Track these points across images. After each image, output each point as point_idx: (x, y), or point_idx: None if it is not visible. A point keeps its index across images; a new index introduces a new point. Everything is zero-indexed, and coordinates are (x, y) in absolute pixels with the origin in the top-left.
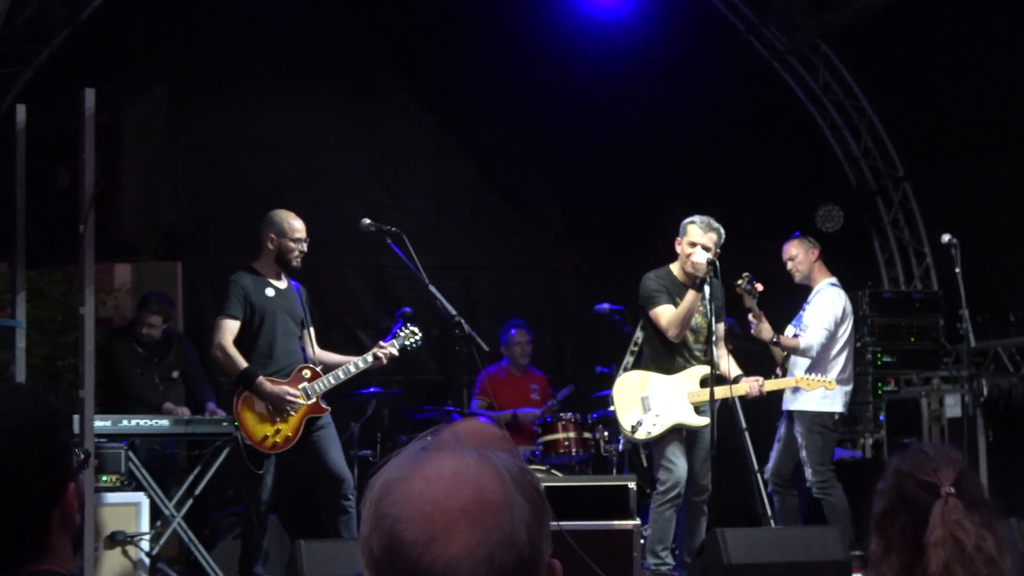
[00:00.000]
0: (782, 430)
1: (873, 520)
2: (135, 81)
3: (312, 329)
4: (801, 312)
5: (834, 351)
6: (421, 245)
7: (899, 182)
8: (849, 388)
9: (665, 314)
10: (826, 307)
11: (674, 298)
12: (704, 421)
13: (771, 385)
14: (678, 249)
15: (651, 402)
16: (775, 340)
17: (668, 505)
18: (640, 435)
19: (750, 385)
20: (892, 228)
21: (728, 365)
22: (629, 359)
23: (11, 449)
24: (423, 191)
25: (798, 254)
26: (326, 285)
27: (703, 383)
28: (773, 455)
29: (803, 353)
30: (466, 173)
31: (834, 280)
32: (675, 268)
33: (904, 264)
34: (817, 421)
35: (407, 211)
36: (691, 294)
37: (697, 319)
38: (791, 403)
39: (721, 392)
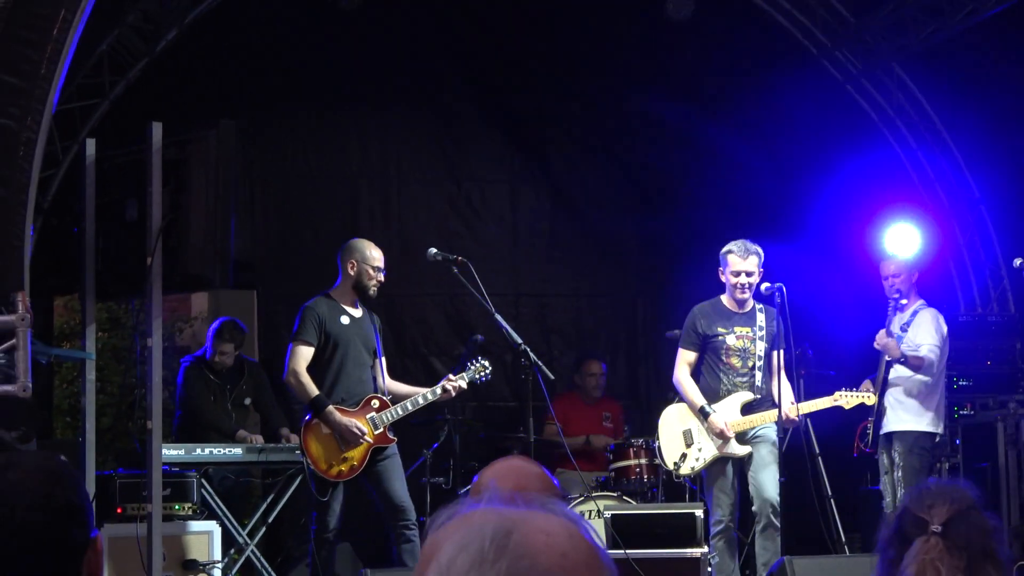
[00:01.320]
0: (884, 459)
1: (878, 550)
2: (209, 114)
3: (384, 359)
4: (901, 334)
5: (940, 371)
6: (495, 273)
7: (976, 204)
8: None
9: (681, 357)
10: (935, 326)
11: (718, 330)
12: (747, 450)
13: (807, 407)
14: (723, 279)
15: (694, 435)
16: (903, 357)
17: (719, 537)
18: (684, 471)
19: (786, 411)
20: (967, 251)
21: (786, 392)
22: None
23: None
24: (498, 219)
25: (902, 273)
26: (401, 313)
27: (745, 410)
28: (884, 487)
29: (925, 370)
30: (540, 201)
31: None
32: (725, 298)
33: (980, 288)
34: (919, 442)
35: (482, 239)
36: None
37: (744, 344)
38: (889, 425)
39: (759, 419)
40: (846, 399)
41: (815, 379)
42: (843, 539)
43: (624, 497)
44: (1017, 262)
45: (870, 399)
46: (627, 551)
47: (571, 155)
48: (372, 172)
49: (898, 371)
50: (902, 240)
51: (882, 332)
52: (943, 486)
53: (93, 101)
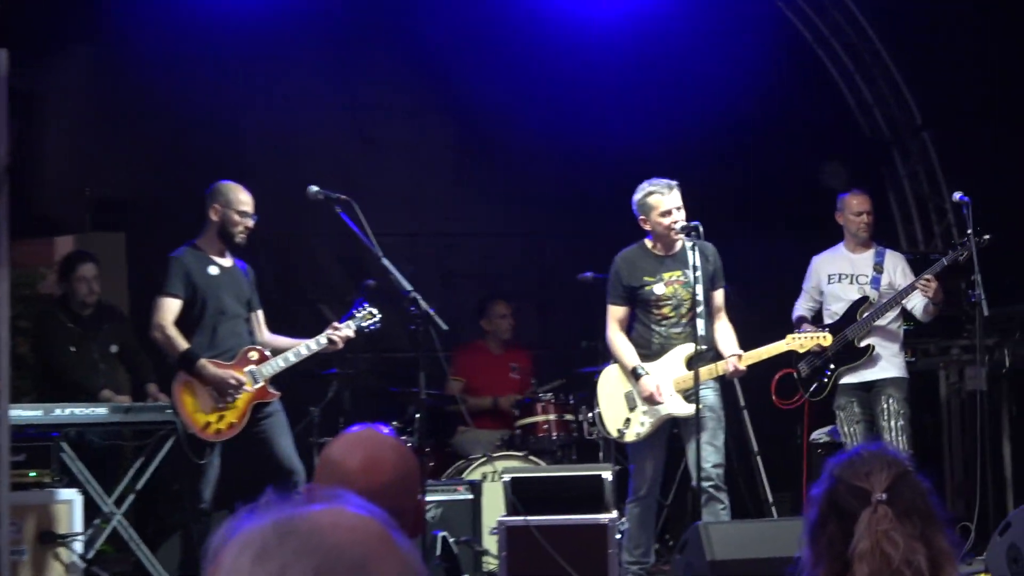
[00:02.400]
0: (854, 408)
1: (805, 529)
2: (64, 38)
3: (261, 311)
4: (875, 275)
5: None
6: (391, 211)
7: (917, 132)
8: None
9: (611, 314)
10: (908, 269)
11: (645, 280)
12: (692, 409)
13: (755, 355)
14: (648, 227)
15: (636, 397)
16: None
17: (635, 504)
18: (629, 438)
19: (727, 363)
20: (909, 182)
21: (728, 338)
22: None
23: None
24: (397, 149)
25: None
26: (290, 255)
27: (690, 364)
28: (859, 440)
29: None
30: (444, 130)
31: None
32: (649, 242)
33: (923, 222)
34: (909, 389)
35: (380, 173)
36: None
37: (676, 290)
38: (880, 372)
39: (706, 372)
40: (800, 342)
41: (739, 325)
42: (771, 500)
43: (531, 457)
44: (956, 195)
45: (826, 339)
46: (527, 518)
47: (478, 79)
48: (256, 99)
49: (887, 315)
50: (833, 175)
51: (931, 275)
52: (873, 451)
53: None
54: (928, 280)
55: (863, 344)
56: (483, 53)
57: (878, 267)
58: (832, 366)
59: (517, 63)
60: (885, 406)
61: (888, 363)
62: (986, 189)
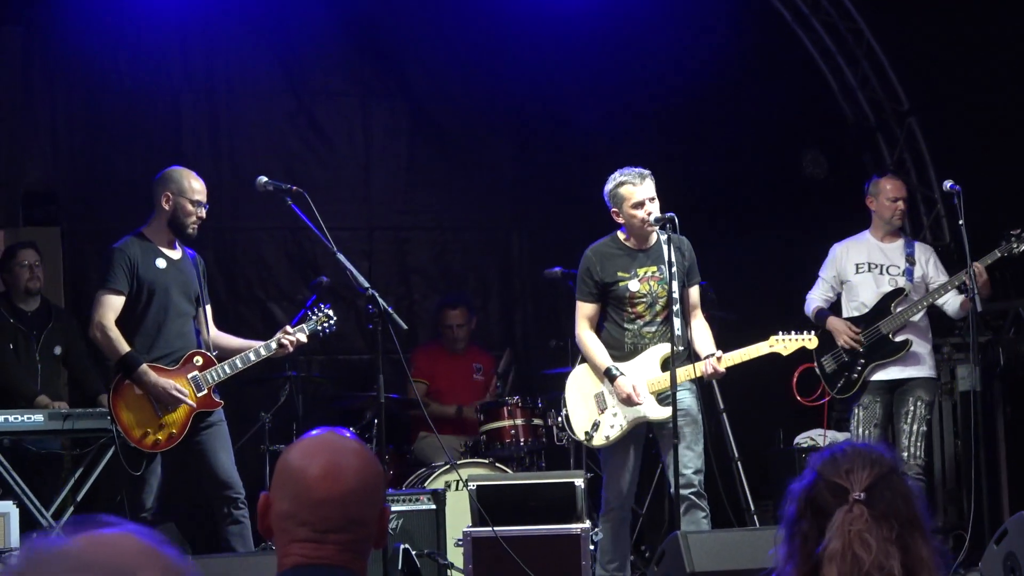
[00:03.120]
0: (878, 410)
1: (782, 524)
2: None
3: (209, 307)
4: (908, 267)
5: None
6: (344, 203)
7: (904, 117)
8: None
9: (581, 311)
10: (939, 262)
11: (619, 275)
12: (668, 413)
13: (735, 357)
14: (620, 220)
15: (607, 398)
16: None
17: (609, 517)
18: (598, 441)
19: (705, 364)
20: (896, 171)
21: (705, 338)
22: None
23: None
24: (346, 139)
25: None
26: (234, 251)
27: (665, 365)
28: (878, 439)
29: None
30: (397, 118)
31: None
32: (622, 235)
33: (912, 212)
34: (935, 392)
35: (328, 163)
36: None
37: (651, 286)
38: (913, 370)
39: (683, 373)
40: (784, 344)
41: (716, 324)
42: (752, 508)
43: (497, 464)
44: (947, 184)
45: (812, 342)
46: (495, 528)
47: (432, 64)
48: (196, 84)
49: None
50: (814, 163)
51: (980, 266)
52: (858, 448)
53: None
54: (979, 272)
55: (900, 339)
56: (437, 36)
57: (910, 258)
58: (862, 361)
59: (474, 46)
60: (912, 408)
61: (921, 361)
62: (976, 178)
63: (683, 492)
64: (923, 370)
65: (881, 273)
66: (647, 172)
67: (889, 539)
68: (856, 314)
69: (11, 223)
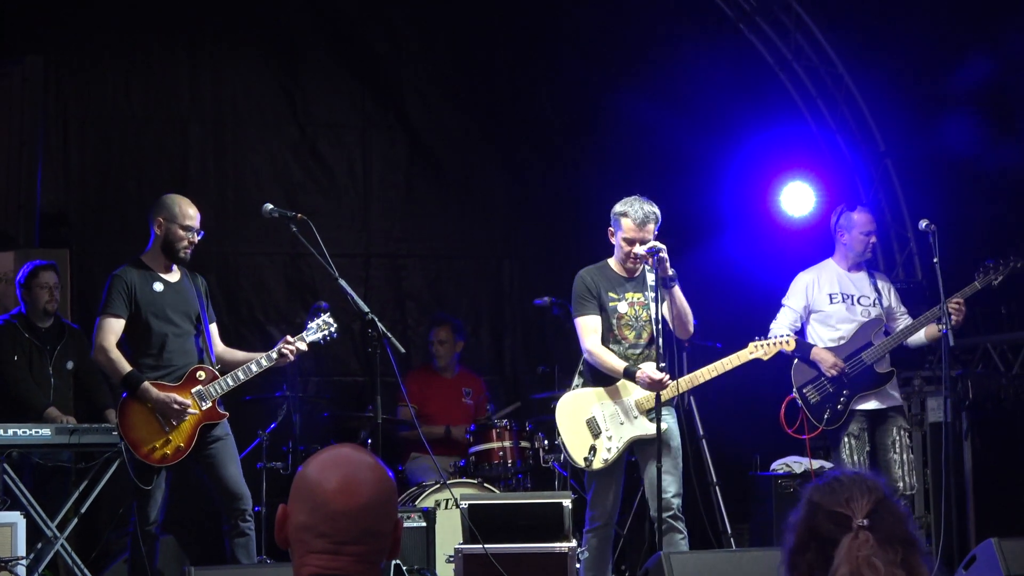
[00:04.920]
0: (865, 437)
1: (783, 556)
2: (12, 49)
3: (215, 325)
4: (878, 296)
5: None
6: (343, 230)
7: (879, 159)
8: None
9: (587, 326)
10: (897, 294)
11: (609, 296)
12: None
13: (718, 368)
14: (613, 241)
15: (599, 422)
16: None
17: (595, 535)
18: (597, 464)
19: (691, 375)
20: (871, 209)
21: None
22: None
23: None
24: (346, 169)
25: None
26: (237, 275)
27: None
28: (868, 468)
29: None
30: (395, 149)
31: None
32: (613, 262)
33: (885, 250)
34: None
35: (328, 192)
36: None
37: (637, 311)
38: (891, 400)
39: (667, 394)
40: (764, 349)
41: (699, 351)
42: (729, 532)
43: (486, 484)
44: (923, 224)
45: (789, 344)
46: (486, 546)
47: (430, 98)
48: (203, 115)
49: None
50: (798, 198)
51: (960, 299)
52: (852, 476)
53: None
54: (959, 303)
55: (885, 370)
56: (435, 71)
57: (875, 288)
58: (846, 391)
59: (469, 80)
60: (897, 437)
61: (896, 391)
62: (946, 218)
63: (662, 515)
64: (896, 399)
65: (853, 304)
66: (653, 215)
67: (895, 562)
68: (832, 345)
69: (27, 243)
